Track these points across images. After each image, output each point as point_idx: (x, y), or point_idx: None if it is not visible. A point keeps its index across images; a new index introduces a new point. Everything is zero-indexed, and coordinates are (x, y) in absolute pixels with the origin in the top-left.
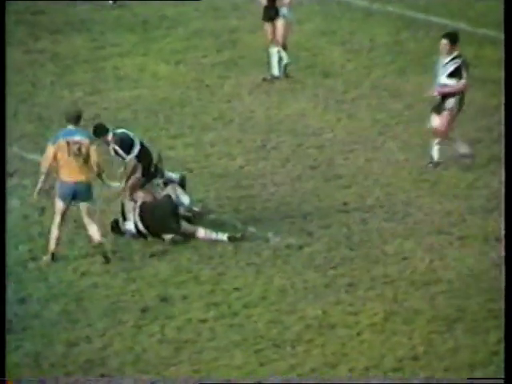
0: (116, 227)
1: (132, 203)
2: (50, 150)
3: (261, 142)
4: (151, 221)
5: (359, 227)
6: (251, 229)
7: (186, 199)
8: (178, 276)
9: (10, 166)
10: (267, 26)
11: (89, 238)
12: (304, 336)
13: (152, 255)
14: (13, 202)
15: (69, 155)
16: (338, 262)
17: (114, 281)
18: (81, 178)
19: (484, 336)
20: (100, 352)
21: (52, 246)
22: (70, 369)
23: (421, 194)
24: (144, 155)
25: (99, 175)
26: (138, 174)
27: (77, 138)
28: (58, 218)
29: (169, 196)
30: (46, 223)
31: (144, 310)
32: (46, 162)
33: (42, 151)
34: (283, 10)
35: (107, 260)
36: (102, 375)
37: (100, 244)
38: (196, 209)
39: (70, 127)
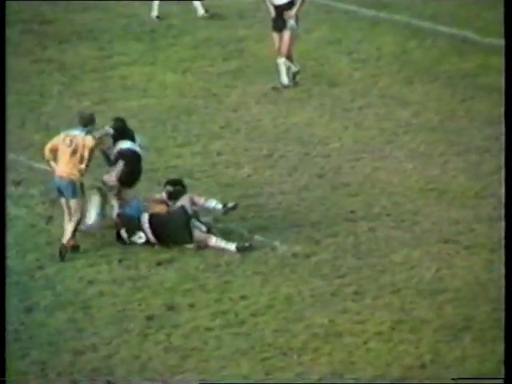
0: (119, 238)
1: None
2: (54, 139)
3: (268, 150)
4: (163, 233)
5: (366, 236)
6: (258, 237)
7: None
8: (185, 284)
9: (18, 175)
10: (275, 37)
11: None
12: (311, 344)
13: (158, 263)
14: (20, 211)
15: (62, 145)
16: (344, 270)
17: (120, 289)
18: (64, 173)
19: (491, 345)
20: (106, 360)
21: (66, 239)
22: (77, 377)
23: (428, 203)
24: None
25: (81, 170)
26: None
27: (74, 132)
28: (66, 214)
29: (182, 207)
30: (53, 232)
31: (150, 318)
32: (46, 148)
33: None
34: (290, 22)
35: (62, 258)
36: (109, 382)
37: (64, 246)
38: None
39: (76, 127)
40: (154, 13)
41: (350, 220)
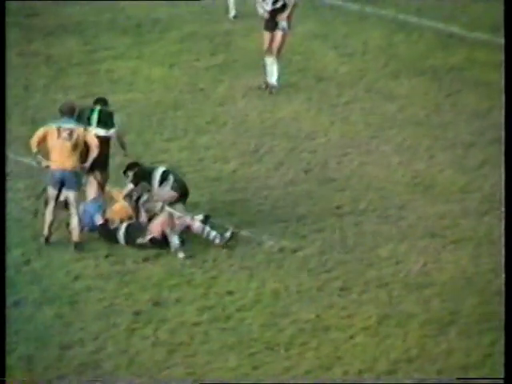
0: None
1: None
2: (40, 131)
3: (254, 145)
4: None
5: (353, 230)
6: (245, 232)
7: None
8: (172, 279)
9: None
10: (266, 35)
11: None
12: (298, 339)
13: (145, 259)
14: (7, 205)
15: (58, 138)
16: (331, 265)
17: (107, 284)
18: (68, 165)
19: (477, 338)
20: (93, 355)
21: (46, 231)
22: (64, 371)
23: (414, 197)
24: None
25: (84, 168)
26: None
27: (69, 125)
28: (51, 205)
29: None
30: (38, 226)
31: (137, 313)
32: (33, 141)
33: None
34: (282, 23)
35: (78, 249)
36: (96, 378)
37: (77, 243)
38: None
39: (64, 119)
40: (232, 13)
41: (336, 215)
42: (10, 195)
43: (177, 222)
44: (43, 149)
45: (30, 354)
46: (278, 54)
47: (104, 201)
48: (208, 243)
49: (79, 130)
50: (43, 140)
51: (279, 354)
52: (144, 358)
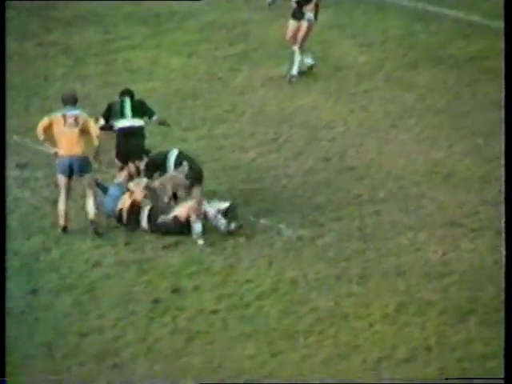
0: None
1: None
2: (45, 119)
3: (273, 134)
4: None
5: (372, 219)
6: (263, 221)
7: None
8: (190, 267)
9: (22, 158)
10: (292, 25)
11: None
12: (316, 327)
13: (164, 247)
14: (25, 194)
15: (64, 125)
16: (349, 253)
17: (126, 272)
18: (76, 151)
19: (496, 327)
20: (112, 342)
21: (61, 221)
22: (83, 359)
23: (433, 186)
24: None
25: (97, 152)
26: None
27: (74, 112)
28: (62, 194)
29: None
30: (57, 215)
31: (156, 301)
32: (39, 129)
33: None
34: (309, 14)
35: (99, 235)
36: (115, 365)
37: (93, 221)
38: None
39: (67, 107)
40: None
41: (355, 203)
42: (28, 184)
43: (202, 208)
44: (49, 137)
45: (48, 341)
46: (302, 45)
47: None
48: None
49: (84, 116)
50: (49, 128)
51: (298, 342)
52: (162, 346)
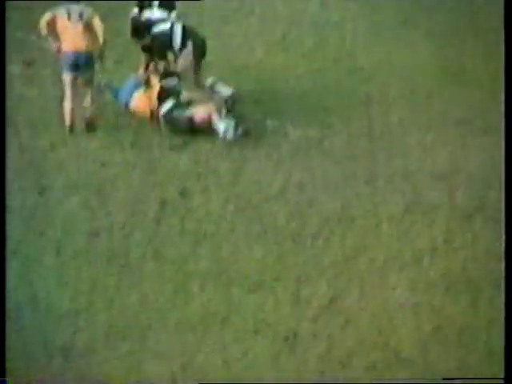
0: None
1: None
2: (48, 14)
3: (281, 33)
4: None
5: (380, 119)
6: (270, 122)
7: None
8: (197, 169)
9: (28, 55)
10: None
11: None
12: (323, 229)
13: (171, 148)
14: (31, 92)
15: (69, 20)
16: (357, 154)
17: (133, 172)
18: (81, 46)
19: (501, 227)
20: (121, 242)
21: (68, 120)
22: (92, 259)
23: (443, 85)
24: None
25: (102, 51)
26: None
27: (77, 7)
28: (68, 91)
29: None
30: (64, 113)
31: (163, 203)
32: (42, 24)
33: None
34: None
35: (91, 128)
36: (123, 266)
37: (88, 121)
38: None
39: (71, 3)
40: None
41: (364, 104)
42: (35, 82)
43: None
44: (52, 34)
45: (57, 238)
46: None
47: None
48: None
49: (88, 11)
50: (52, 23)
51: (305, 245)
52: (170, 248)
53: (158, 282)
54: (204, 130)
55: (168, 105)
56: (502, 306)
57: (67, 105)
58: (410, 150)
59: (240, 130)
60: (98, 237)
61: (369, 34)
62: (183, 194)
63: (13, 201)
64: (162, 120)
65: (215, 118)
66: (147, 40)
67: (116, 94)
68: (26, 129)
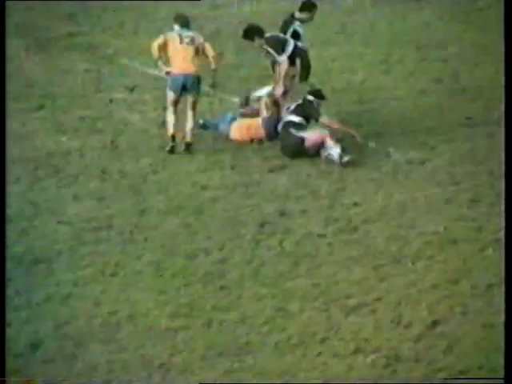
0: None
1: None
2: (161, 37)
3: (383, 55)
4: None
5: (484, 142)
6: (372, 144)
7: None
8: (297, 190)
9: (131, 81)
10: None
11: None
12: (425, 252)
13: (270, 170)
14: (133, 117)
15: (180, 43)
16: (460, 177)
17: (232, 195)
18: (190, 70)
19: None
20: (219, 264)
21: (170, 130)
22: (191, 280)
23: None
24: (299, 56)
25: (214, 78)
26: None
27: (189, 33)
28: (170, 108)
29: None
30: (166, 137)
31: (262, 224)
32: (154, 47)
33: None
34: None
35: (190, 151)
36: (222, 287)
37: (188, 144)
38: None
39: (182, 29)
40: None
41: (466, 125)
42: (137, 107)
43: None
44: (164, 56)
45: (157, 260)
46: None
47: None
48: None
49: (200, 38)
50: (164, 47)
51: (406, 267)
52: (269, 269)
53: (257, 302)
54: (307, 152)
55: (291, 118)
56: (502, 306)
57: (170, 117)
58: None
59: (348, 158)
60: (196, 258)
61: (472, 54)
62: (282, 215)
63: (114, 221)
64: (281, 128)
65: (329, 143)
66: (260, 41)
67: (216, 126)
68: (128, 152)
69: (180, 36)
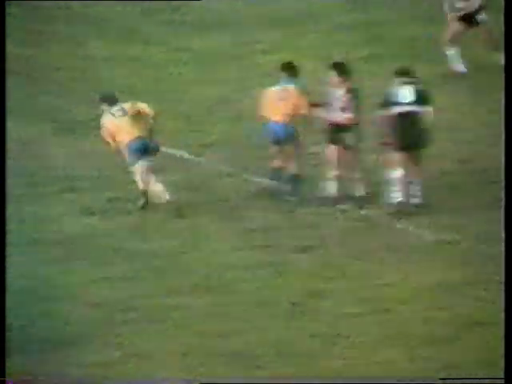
0: None
1: None
2: (102, 129)
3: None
4: None
5: None
6: (400, 225)
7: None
8: (326, 272)
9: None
10: (454, 26)
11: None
12: (457, 333)
13: (301, 251)
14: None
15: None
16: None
17: (260, 273)
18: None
19: None
20: (250, 344)
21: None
22: (220, 360)
23: None
24: None
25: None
26: None
27: (116, 106)
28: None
29: None
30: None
31: (293, 304)
32: (105, 138)
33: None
34: (482, 16)
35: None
36: (257, 367)
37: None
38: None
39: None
40: None
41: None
42: (168, 187)
43: None
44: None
45: (186, 342)
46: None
47: None
48: None
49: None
50: (110, 135)
51: (439, 349)
52: (301, 348)
53: (288, 381)
54: None
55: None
56: (502, 306)
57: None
58: None
59: None
60: (228, 338)
61: None
62: (312, 295)
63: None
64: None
65: None
66: None
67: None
68: (156, 233)
69: (112, 114)
